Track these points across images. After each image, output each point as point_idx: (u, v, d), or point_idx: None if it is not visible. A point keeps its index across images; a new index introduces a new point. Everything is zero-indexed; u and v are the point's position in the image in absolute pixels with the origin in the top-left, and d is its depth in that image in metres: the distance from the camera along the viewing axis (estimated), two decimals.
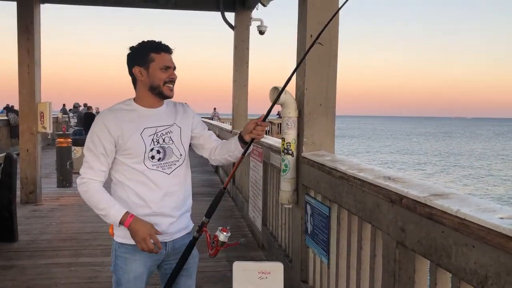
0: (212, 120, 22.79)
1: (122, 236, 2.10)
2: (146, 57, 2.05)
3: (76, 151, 10.27)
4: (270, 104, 3.42)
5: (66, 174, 8.74)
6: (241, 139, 2.21)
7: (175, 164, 2.14)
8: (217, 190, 8.85)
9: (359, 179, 2.26)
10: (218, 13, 7.57)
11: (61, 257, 4.68)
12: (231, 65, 7.64)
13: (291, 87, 3.43)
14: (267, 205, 4.92)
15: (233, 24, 7.64)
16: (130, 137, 2.03)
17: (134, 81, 2.13)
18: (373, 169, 2.40)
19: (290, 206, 3.48)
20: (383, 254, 2.07)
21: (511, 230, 1.23)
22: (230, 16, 7.66)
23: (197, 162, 13.62)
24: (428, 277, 1.80)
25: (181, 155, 2.17)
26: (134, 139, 2.04)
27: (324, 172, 2.80)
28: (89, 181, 2.03)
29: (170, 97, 2.12)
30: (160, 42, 2.09)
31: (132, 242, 2.06)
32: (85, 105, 19.66)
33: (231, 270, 2.64)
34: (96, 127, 2.05)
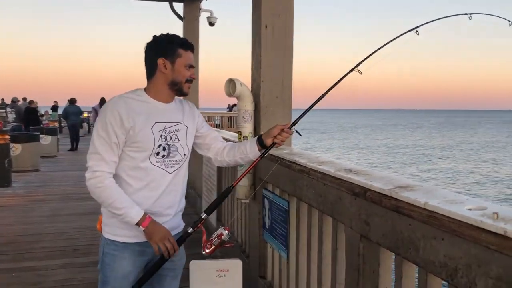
0: None
1: (112, 232, 2.03)
2: (173, 51, 1.99)
3: (15, 148, 9.70)
4: (225, 96, 3.33)
5: (4, 173, 8.22)
6: (260, 142, 2.18)
7: (178, 163, 2.08)
8: None
9: (320, 172, 2.21)
10: (166, 4, 7.34)
11: (2, 262, 4.37)
12: None
13: (247, 79, 3.35)
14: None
15: (181, 15, 7.44)
16: (142, 130, 1.94)
17: (152, 72, 2.03)
18: (333, 161, 2.36)
19: (247, 201, 3.41)
20: (346, 248, 2.04)
21: (482, 222, 1.21)
22: (179, 6, 7.46)
23: None
24: (393, 270, 1.79)
25: (185, 155, 2.10)
26: (145, 132, 1.95)
27: (282, 166, 2.74)
28: (103, 174, 1.91)
29: (187, 95, 2.10)
30: (187, 39, 2.05)
31: (121, 239, 2.01)
32: (24, 99, 18.62)
33: (187, 268, 2.54)
34: (108, 114, 1.91)
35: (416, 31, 1.84)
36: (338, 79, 2.14)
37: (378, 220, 1.75)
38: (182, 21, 7.41)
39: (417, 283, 1.64)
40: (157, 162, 1.99)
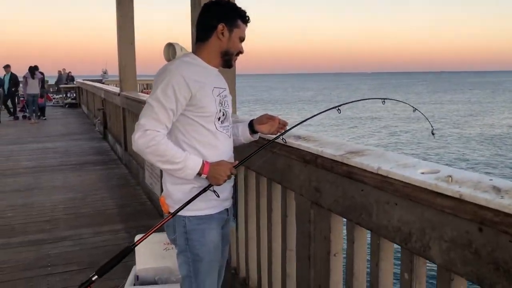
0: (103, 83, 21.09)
1: (193, 208, 1.90)
2: (234, 20, 1.95)
3: None
4: (163, 62, 3.15)
5: None
6: (250, 127, 2.11)
7: (229, 128, 2.04)
8: (107, 158, 8.34)
9: (268, 140, 2.15)
10: None
11: None
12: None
13: (188, 42, 3.18)
14: None
15: None
16: (206, 95, 1.88)
17: (207, 35, 1.95)
18: None
19: None
20: (297, 215, 2.02)
21: (437, 185, 1.20)
22: None
23: (84, 129, 12.74)
24: (344, 236, 1.79)
25: (231, 122, 2.07)
26: (209, 96, 1.90)
27: None
28: (154, 133, 1.78)
29: (231, 67, 2.05)
30: (246, 12, 1.99)
31: (206, 212, 1.95)
32: None
33: (132, 242, 2.44)
34: (173, 78, 1.82)
35: (338, 109, 2.00)
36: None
37: (329, 187, 1.72)
38: None
39: (369, 247, 1.65)
40: (220, 127, 1.95)
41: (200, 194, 1.88)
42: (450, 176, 1.21)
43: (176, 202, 1.95)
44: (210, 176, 1.87)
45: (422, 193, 1.24)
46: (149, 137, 1.77)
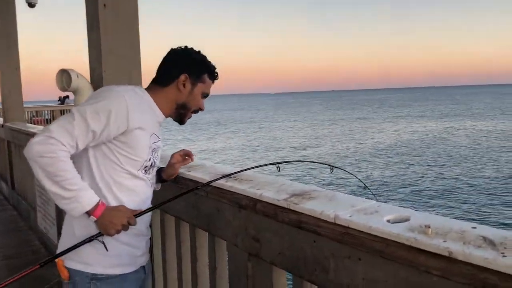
0: None
1: (103, 264, 1.62)
2: (200, 74, 1.75)
3: None
4: (58, 90, 2.71)
5: None
6: (159, 177, 1.91)
7: (151, 179, 1.79)
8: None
9: (192, 181, 1.84)
10: None
11: None
12: None
13: (85, 70, 2.78)
14: (62, 212, 4.09)
15: None
16: (143, 138, 1.62)
17: (166, 82, 1.73)
18: (204, 165, 2.01)
19: None
20: (230, 267, 1.73)
21: (416, 240, 0.99)
22: None
23: None
24: None
25: (154, 175, 1.82)
26: (145, 141, 1.64)
27: None
28: (60, 146, 1.45)
29: (181, 124, 1.83)
30: (215, 68, 1.79)
31: (120, 271, 1.66)
32: None
33: None
34: (115, 102, 1.54)
35: (277, 166, 1.88)
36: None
37: (271, 237, 1.46)
38: None
39: None
40: (143, 175, 1.69)
41: (84, 243, 1.55)
42: (428, 226, 1.01)
43: (83, 260, 1.62)
44: (100, 221, 1.55)
45: (398, 249, 1.03)
46: (50, 147, 1.44)
